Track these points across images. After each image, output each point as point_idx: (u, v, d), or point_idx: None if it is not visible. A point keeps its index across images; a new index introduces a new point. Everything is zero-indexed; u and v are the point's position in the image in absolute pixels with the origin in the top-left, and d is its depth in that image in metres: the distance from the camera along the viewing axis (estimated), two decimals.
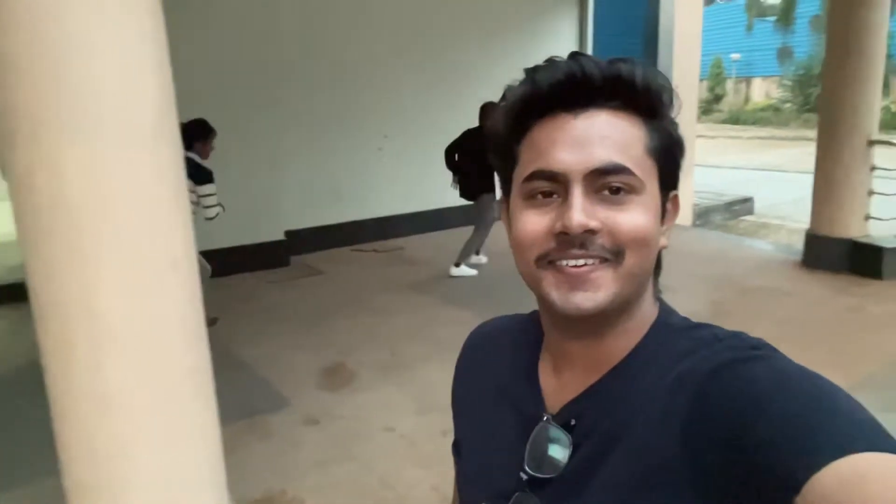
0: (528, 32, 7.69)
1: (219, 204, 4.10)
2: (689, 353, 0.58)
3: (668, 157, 0.62)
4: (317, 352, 4.10)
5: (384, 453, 2.96)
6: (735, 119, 24.98)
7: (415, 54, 6.92)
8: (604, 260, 0.57)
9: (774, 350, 0.56)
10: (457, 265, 5.60)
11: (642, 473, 0.56)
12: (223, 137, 5.79)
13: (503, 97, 0.63)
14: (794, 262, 5.44)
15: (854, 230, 5.12)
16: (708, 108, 26.96)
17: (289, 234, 6.23)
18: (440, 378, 3.95)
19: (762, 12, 26.60)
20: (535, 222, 0.59)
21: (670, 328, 0.63)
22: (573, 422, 0.62)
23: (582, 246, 0.57)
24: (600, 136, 0.57)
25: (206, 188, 3.98)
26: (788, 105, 23.97)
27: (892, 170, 5.05)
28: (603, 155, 0.57)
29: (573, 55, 0.59)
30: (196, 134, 4.01)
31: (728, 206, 10.13)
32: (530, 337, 0.72)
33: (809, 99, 22.47)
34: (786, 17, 24.61)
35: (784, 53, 24.43)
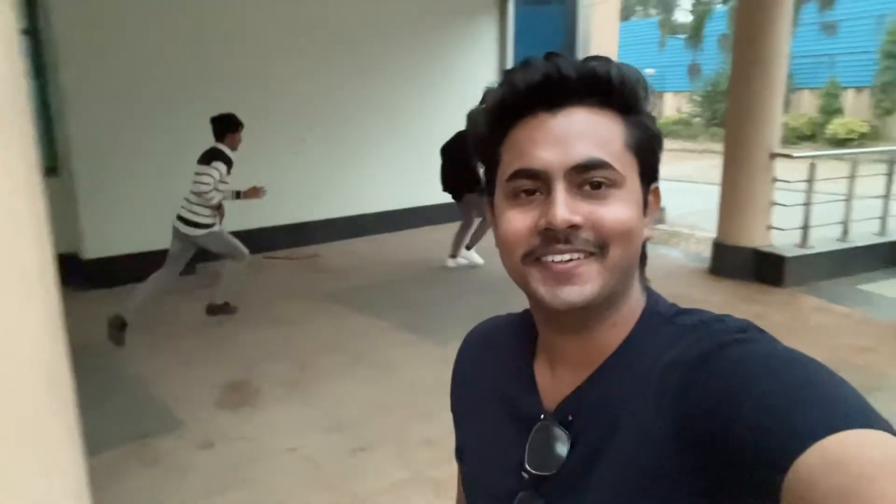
0: (449, 38, 7.63)
1: (224, 191, 4.30)
2: (676, 341, 0.59)
3: (647, 151, 0.63)
4: (218, 367, 3.82)
5: (284, 477, 2.75)
6: None
7: (333, 56, 6.69)
8: (589, 254, 0.58)
9: (761, 332, 0.57)
10: (452, 257, 5.86)
11: (639, 464, 0.56)
12: (133, 138, 5.37)
13: (483, 99, 0.68)
14: (702, 271, 5.60)
15: (757, 240, 5.31)
16: None
17: None
18: (351, 392, 3.82)
19: (674, 30, 27.84)
20: (519, 220, 0.60)
21: (658, 317, 0.64)
22: (570, 418, 0.63)
23: (566, 241, 0.58)
24: (579, 133, 0.59)
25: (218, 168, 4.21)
26: (698, 119, 25.14)
27: (792, 182, 5.27)
28: (583, 151, 0.58)
29: (548, 55, 0.60)
30: (225, 127, 4.31)
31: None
32: (524, 335, 0.73)
33: (717, 114, 23.60)
34: (696, 35, 25.81)
35: (694, 70, 25.65)
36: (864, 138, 15.98)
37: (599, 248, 0.58)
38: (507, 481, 0.67)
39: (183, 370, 3.79)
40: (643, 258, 0.67)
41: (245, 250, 4.45)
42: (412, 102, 7.34)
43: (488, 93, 0.65)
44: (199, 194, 4.20)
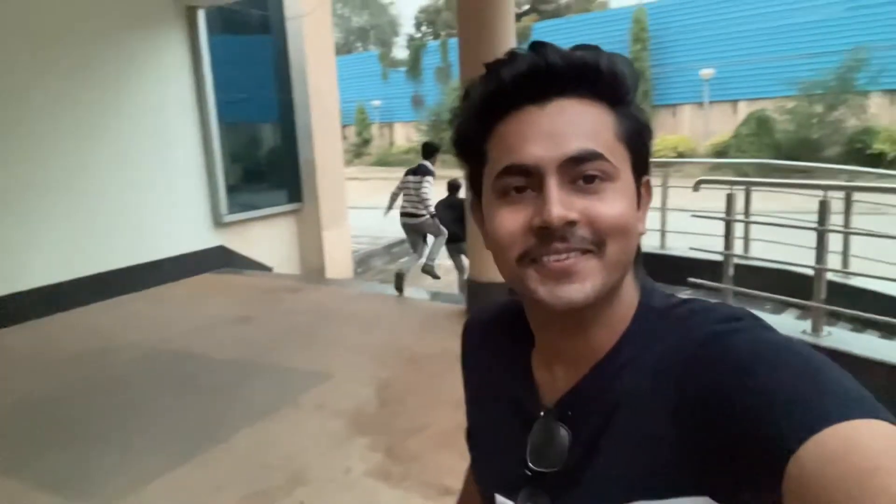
0: (129, 70, 6.03)
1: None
2: (670, 333, 0.59)
3: (639, 142, 0.61)
4: None
5: None
6: (383, 161, 26.34)
7: None
8: (586, 251, 0.57)
9: (756, 319, 0.56)
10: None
11: (639, 458, 0.56)
12: None
13: (466, 94, 0.62)
14: (459, 313, 4.95)
15: None
16: (358, 151, 28.04)
17: None
18: None
19: (394, 64, 28.80)
20: (511, 220, 0.58)
21: (653, 311, 0.63)
22: (569, 413, 0.63)
23: (563, 239, 0.56)
24: (570, 125, 0.57)
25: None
26: None
27: None
28: (575, 143, 0.56)
29: (534, 46, 0.58)
30: (432, 151, 6.55)
31: (387, 250, 9.86)
32: (520, 329, 0.70)
33: (443, 142, 24.79)
34: (414, 68, 27.01)
35: (417, 101, 26.71)
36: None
37: (597, 244, 0.57)
38: (512, 475, 0.66)
39: None
40: (638, 254, 0.64)
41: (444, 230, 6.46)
42: (81, 147, 5.61)
43: (471, 87, 0.62)
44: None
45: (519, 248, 0.57)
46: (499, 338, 0.74)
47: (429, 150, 6.55)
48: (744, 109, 19.11)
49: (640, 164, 0.61)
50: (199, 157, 6.80)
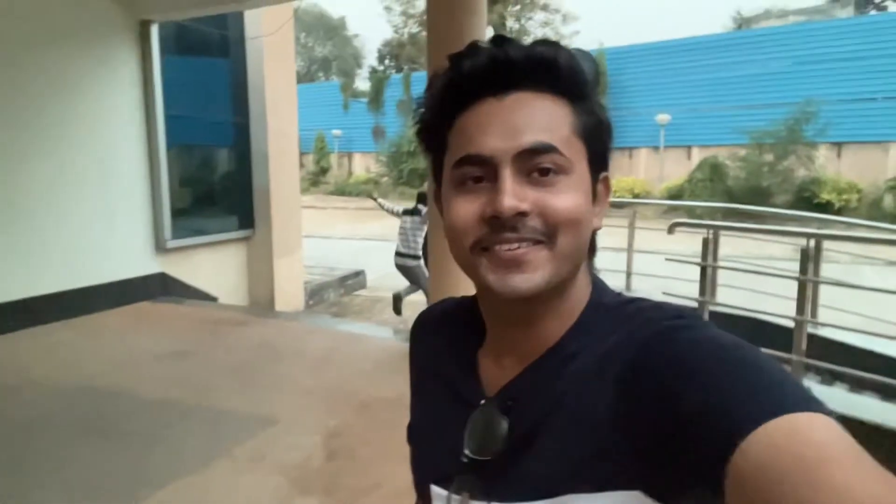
0: (77, 90, 5.63)
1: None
2: (616, 330, 0.59)
3: (596, 138, 0.62)
4: None
5: None
6: (341, 191, 26.11)
7: None
8: (537, 242, 0.58)
9: (699, 318, 0.57)
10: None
11: (578, 449, 0.56)
12: None
13: (429, 85, 0.64)
14: None
15: None
16: (316, 180, 27.66)
17: None
18: None
19: (356, 94, 28.71)
20: (466, 209, 0.59)
21: (602, 307, 0.63)
22: (510, 403, 0.62)
23: (514, 229, 0.57)
24: (527, 118, 0.58)
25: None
26: (385, 179, 25.94)
27: None
28: (530, 136, 0.57)
29: (495, 39, 0.60)
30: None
31: (342, 282, 9.47)
32: (471, 322, 0.70)
33: (403, 173, 24.74)
34: (376, 100, 26.96)
35: (377, 132, 26.59)
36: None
37: (547, 235, 0.57)
38: (449, 464, 0.65)
39: None
40: (593, 249, 0.66)
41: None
42: (13, 162, 5.15)
43: (434, 78, 0.63)
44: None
45: (472, 236, 0.59)
46: (449, 331, 0.74)
47: (424, 198, 6.64)
48: (697, 155, 19.61)
49: (597, 159, 0.62)
50: (143, 177, 6.38)
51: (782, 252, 7.59)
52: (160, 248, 6.48)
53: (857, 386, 4.06)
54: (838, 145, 17.74)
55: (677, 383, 0.49)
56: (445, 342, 0.74)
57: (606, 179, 0.64)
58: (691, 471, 0.46)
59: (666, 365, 0.51)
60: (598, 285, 0.65)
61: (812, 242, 3.17)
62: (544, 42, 0.59)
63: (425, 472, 0.71)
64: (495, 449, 0.61)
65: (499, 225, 0.57)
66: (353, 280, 9.71)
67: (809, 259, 3.10)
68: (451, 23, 3.99)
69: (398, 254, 6.78)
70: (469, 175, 0.59)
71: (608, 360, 0.56)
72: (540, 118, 0.58)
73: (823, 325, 3.69)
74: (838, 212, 15.78)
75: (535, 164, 0.57)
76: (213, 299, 6.93)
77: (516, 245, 0.57)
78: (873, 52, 17.04)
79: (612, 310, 0.62)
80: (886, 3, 28.38)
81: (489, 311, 0.67)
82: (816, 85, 17.34)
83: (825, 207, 15.94)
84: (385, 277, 10.44)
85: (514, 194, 0.56)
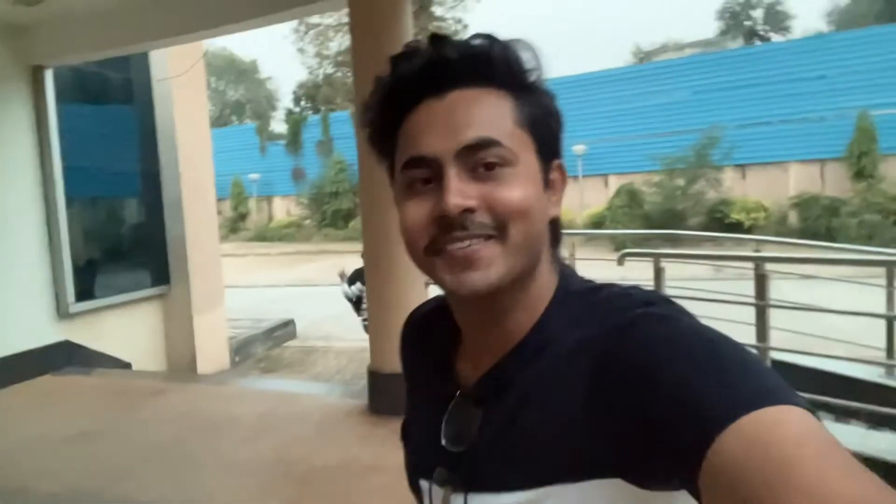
0: None
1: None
2: (587, 318, 0.58)
3: (543, 127, 0.62)
4: None
5: None
6: (261, 237, 25.30)
7: None
8: (488, 237, 0.57)
9: (670, 303, 0.57)
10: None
11: (551, 440, 0.55)
12: None
13: (374, 90, 0.63)
14: (360, 410, 4.28)
15: None
16: (235, 226, 26.68)
17: None
18: None
19: (272, 137, 28.11)
20: (416, 212, 0.59)
21: (570, 295, 0.63)
22: (484, 395, 0.63)
23: (463, 227, 0.57)
24: (466, 115, 0.58)
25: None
26: (308, 221, 25.34)
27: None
28: (471, 132, 0.57)
29: (431, 39, 0.59)
30: None
31: (269, 334, 8.92)
32: (451, 320, 0.71)
33: (325, 215, 24.26)
34: (294, 141, 26.47)
35: (297, 174, 26.04)
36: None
37: (498, 229, 0.57)
38: (430, 458, 0.66)
39: None
40: (556, 238, 0.65)
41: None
42: None
43: (378, 81, 0.63)
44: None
45: (425, 239, 0.59)
46: (430, 332, 0.75)
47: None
48: (614, 183, 20.25)
49: (547, 148, 0.63)
50: (41, 235, 5.77)
51: (704, 272, 7.83)
52: (63, 313, 5.84)
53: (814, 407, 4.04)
54: (742, 167, 18.76)
55: (650, 378, 0.48)
56: (427, 344, 0.75)
57: (560, 166, 0.65)
58: (666, 465, 0.46)
59: (638, 356, 0.50)
60: (564, 273, 0.65)
61: (767, 266, 3.11)
62: (480, 36, 0.59)
63: (416, 468, 0.72)
64: (469, 441, 0.63)
65: (448, 224, 0.57)
66: (282, 331, 9.19)
67: (766, 284, 3.05)
68: (377, 54, 3.78)
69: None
70: (417, 178, 0.59)
71: (579, 351, 0.56)
72: (480, 113, 0.58)
73: (781, 350, 3.66)
74: (748, 230, 16.58)
75: (479, 159, 0.57)
76: (126, 366, 6.29)
77: (467, 243, 0.57)
78: (764, 80, 18.27)
79: (580, 297, 0.62)
80: (770, 35, 30.75)
81: (456, 309, 0.67)
82: (717, 112, 18.35)
83: (736, 227, 16.72)
84: (317, 324, 9.97)
85: (458, 192, 0.56)
